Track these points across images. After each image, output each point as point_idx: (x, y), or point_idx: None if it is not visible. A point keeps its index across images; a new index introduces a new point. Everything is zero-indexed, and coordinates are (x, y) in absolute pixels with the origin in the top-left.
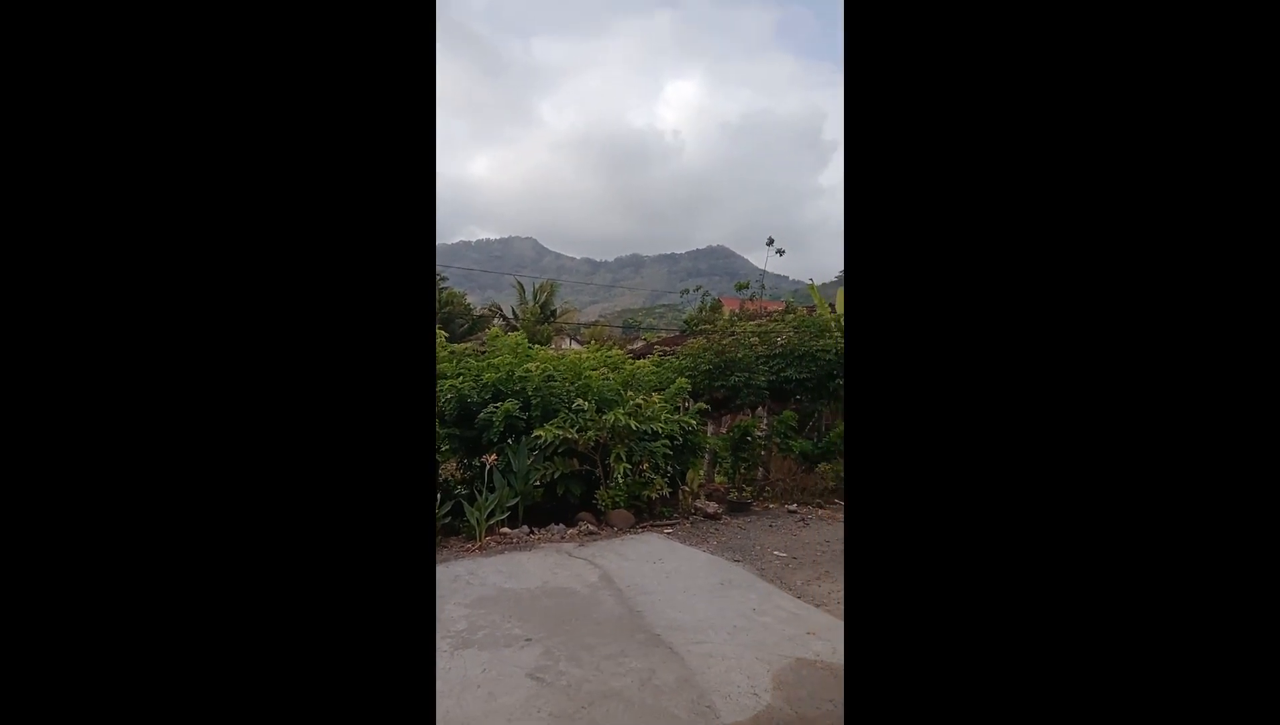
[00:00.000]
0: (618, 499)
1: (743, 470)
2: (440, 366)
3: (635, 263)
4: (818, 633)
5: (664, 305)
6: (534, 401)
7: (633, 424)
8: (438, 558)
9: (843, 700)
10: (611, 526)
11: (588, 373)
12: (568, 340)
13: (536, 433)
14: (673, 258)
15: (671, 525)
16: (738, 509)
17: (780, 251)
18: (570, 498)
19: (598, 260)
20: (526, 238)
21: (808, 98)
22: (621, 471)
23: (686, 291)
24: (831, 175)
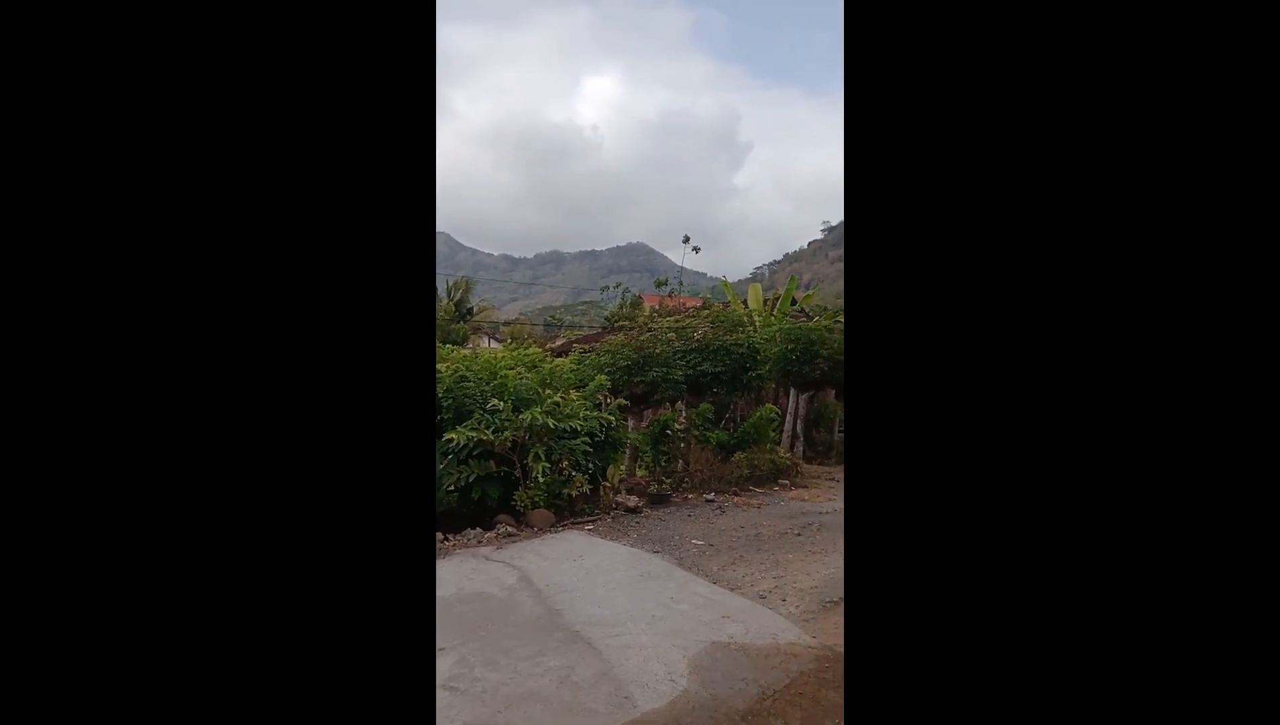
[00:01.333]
0: (537, 499)
1: (663, 463)
2: None
3: (556, 259)
4: (732, 616)
5: (586, 302)
6: (445, 403)
7: (551, 422)
8: None
9: (754, 679)
10: (531, 527)
11: (503, 372)
12: (486, 339)
13: (448, 436)
14: (594, 254)
15: (593, 521)
16: (658, 501)
17: (696, 249)
18: (488, 501)
19: (516, 257)
20: (440, 233)
21: (723, 100)
22: (541, 471)
23: (607, 288)
24: (745, 176)
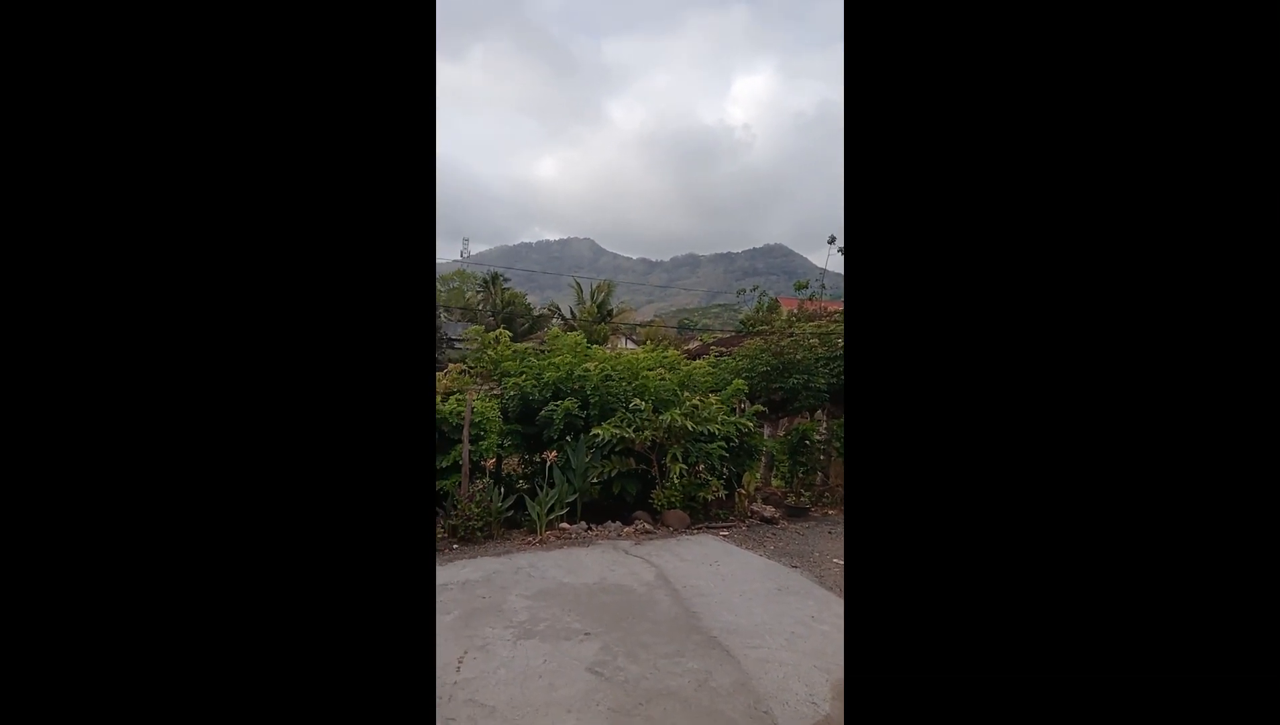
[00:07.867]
0: (673, 499)
1: (800, 474)
2: (504, 365)
3: (691, 262)
4: None
5: (720, 305)
6: (592, 400)
7: (689, 425)
8: (502, 549)
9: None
10: (667, 526)
11: (645, 373)
12: (624, 340)
13: (595, 431)
14: (729, 257)
15: (727, 528)
16: (795, 514)
17: (841, 250)
18: (626, 496)
19: (654, 260)
20: (584, 239)
21: None
22: (677, 472)
23: (743, 291)
24: None
